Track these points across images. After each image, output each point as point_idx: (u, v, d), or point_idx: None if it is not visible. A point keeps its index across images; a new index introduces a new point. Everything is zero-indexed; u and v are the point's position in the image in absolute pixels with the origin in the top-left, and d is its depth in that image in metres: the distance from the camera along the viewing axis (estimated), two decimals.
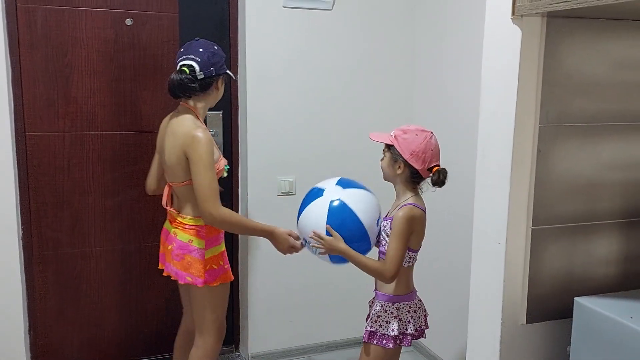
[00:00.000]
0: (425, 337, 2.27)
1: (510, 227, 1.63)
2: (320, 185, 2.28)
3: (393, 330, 2.10)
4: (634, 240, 1.72)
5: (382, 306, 2.16)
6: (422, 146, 2.09)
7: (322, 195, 2.20)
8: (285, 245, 2.42)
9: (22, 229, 2.75)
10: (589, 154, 1.65)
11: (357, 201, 2.15)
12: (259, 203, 3.19)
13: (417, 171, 2.11)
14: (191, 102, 2.28)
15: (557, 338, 1.68)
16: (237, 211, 3.27)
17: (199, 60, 2.22)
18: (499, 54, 1.63)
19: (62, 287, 2.88)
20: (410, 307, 2.17)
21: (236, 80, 3.13)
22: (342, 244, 2.10)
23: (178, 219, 2.31)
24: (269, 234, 2.42)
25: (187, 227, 2.28)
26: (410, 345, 2.25)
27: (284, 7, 3.02)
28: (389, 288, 2.16)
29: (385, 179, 2.28)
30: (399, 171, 2.14)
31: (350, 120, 3.29)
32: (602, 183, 1.68)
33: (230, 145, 3.23)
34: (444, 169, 2.11)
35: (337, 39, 3.17)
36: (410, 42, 3.28)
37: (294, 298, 3.31)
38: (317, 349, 3.37)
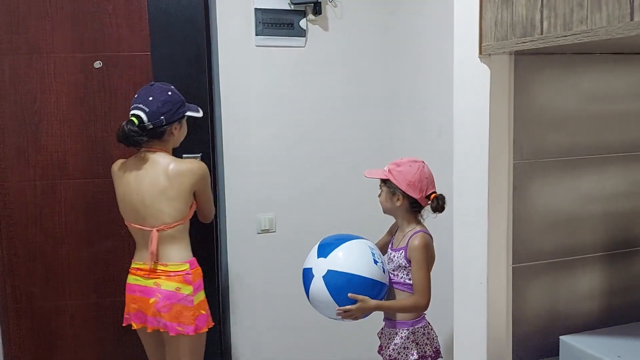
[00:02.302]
0: (442, 357, 2.29)
1: (490, 266, 1.58)
2: (306, 265, 2.25)
3: (413, 355, 2.17)
4: (615, 273, 1.68)
5: (399, 335, 2.19)
6: (417, 175, 2.20)
7: (313, 276, 2.17)
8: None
9: None
10: (567, 188, 1.61)
11: (344, 261, 2.14)
12: (239, 241, 3.12)
13: (416, 201, 2.20)
14: (155, 146, 2.26)
15: None
16: (217, 249, 3.19)
17: (147, 110, 2.17)
18: (469, 92, 1.60)
19: (37, 342, 2.78)
20: (424, 329, 2.22)
21: (213, 119, 3.08)
22: (371, 302, 2.11)
23: (159, 268, 2.23)
24: None
25: (171, 274, 2.21)
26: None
27: (257, 46, 2.99)
28: (406, 316, 2.20)
29: (385, 213, 2.34)
30: (398, 203, 2.22)
31: (328, 156, 3.24)
32: (582, 216, 1.63)
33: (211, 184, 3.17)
34: (441, 194, 2.20)
35: (312, 75, 3.14)
36: (385, 76, 3.25)
37: (279, 338, 3.22)
38: None
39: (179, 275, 2.20)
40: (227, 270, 3.12)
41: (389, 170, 2.23)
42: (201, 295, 2.29)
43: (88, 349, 2.87)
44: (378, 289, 2.15)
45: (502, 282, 1.59)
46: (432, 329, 2.26)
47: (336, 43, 3.14)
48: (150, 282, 2.22)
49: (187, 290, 2.21)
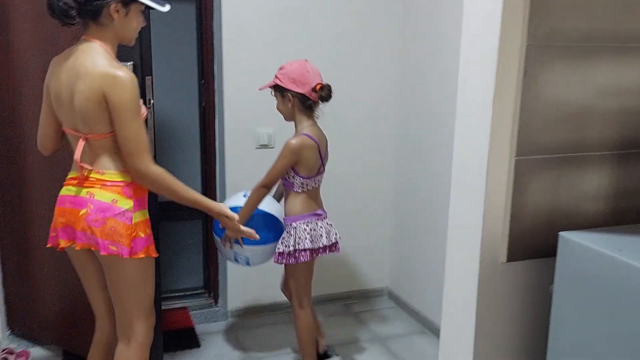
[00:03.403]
0: (334, 252, 2.48)
1: (491, 158, 1.45)
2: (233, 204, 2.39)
3: (287, 246, 2.33)
4: (626, 174, 1.55)
5: (286, 229, 2.37)
6: (299, 71, 2.30)
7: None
8: (237, 231, 2.11)
9: None
10: (581, 78, 1.47)
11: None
12: (236, 156, 3.00)
13: (305, 96, 2.29)
14: (92, 34, 1.76)
15: (540, 277, 1.51)
16: (214, 165, 3.08)
17: None
18: None
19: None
20: (307, 226, 2.35)
21: (211, 24, 2.92)
22: (232, 214, 2.07)
23: (94, 176, 1.79)
24: (220, 215, 2.03)
25: (108, 184, 1.78)
26: (311, 259, 2.38)
27: None
28: (288, 212, 2.38)
29: (286, 120, 2.42)
30: (289, 105, 2.33)
31: (332, 69, 3.08)
32: (594, 111, 1.49)
33: (206, 95, 3.03)
34: (327, 84, 2.31)
35: None
36: None
37: None
38: None
39: (117, 185, 1.79)
40: (225, 185, 3.02)
41: (275, 76, 2.33)
42: (142, 215, 1.84)
43: None
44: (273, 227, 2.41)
45: (503, 175, 1.47)
46: (322, 228, 2.39)
47: None
48: (82, 192, 1.80)
49: (125, 204, 1.78)
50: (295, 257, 2.33)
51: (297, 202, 2.37)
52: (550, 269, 1.45)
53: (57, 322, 2.61)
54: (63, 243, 1.86)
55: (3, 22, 2.42)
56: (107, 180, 1.78)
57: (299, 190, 2.36)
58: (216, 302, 3.21)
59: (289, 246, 2.33)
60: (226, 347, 2.83)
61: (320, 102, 2.32)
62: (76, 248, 1.83)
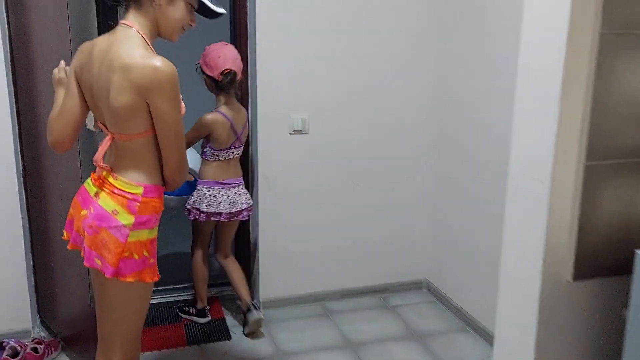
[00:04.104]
0: (236, 219, 2.71)
1: (557, 163, 1.26)
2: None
3: (189, 204, 2.67)
4: None
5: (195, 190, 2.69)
6: (211, 55, 2.51)
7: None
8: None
9: None
10: None
11: None
12: (270, 142, 2.85)
13: (214, 78, 2.52)
14: (131, 19, 1.58)
15: (611, 299, 1.32)
16: (246, 151, 2.94)
17: None
18: None
19: None
20: (208, 191, 2.63)
21: (245, 7, 2.74)
22: None
23: (109, 179, 1.60)
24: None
25: (115, 191, 1.58)
26: (206, 220, 2.67)
27: None
28: (199, 176, 2.69)
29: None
30: (206, 85, 2.61)
31: (368, 54, 2.89)
32: None
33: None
34: (232, 71, 2.49)
35: None
36: None
37: (307, 243, 3.01)
38: (332, 296, 3.09)
39: (123, 196, 1.57)
40: (257, 171, 2.88)
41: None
42: (142, 235, 1.58)
43: None
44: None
45: (569, 183, 1.28)
46: (224, 195, 2.64)
47: None
48: (93, 190, 1.63)
49: (125, 218, 1.56)
50: (192, 214, 2.67)
51: (206, 169, 2.66)
52: (624, 289, 1.26)
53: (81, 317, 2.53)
54: (65, 235, 1.74)
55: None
56: (117, 187, 1.58)
57: (210, 159, 2.64)
58: None
59: (190, 203, 2.67)
60: (257, 340, 2.72)
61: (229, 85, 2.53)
62: (68, 247, 1.69)
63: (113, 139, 1.60)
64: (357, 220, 3.06)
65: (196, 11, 1.67)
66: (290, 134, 2.87)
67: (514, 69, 1.40)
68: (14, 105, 2.43)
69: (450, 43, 2.90)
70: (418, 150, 3.08)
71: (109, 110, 1.54)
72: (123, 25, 1.58)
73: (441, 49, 2.95)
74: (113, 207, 1.57)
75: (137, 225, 1.57)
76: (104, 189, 1.60)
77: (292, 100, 2.83)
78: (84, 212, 1.62)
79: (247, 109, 2.87)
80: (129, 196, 1.57)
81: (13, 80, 2.43)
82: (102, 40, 1.59)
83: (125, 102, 1.50)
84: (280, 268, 2.99)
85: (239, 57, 2.54)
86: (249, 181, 2.95)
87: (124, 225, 1.56)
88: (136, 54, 1.50)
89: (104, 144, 1.60)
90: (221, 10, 1.70)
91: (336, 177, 2.99)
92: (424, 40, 2.95)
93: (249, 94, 2.85)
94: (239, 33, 2.82)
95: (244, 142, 2.71)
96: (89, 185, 1.66)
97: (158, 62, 1.49)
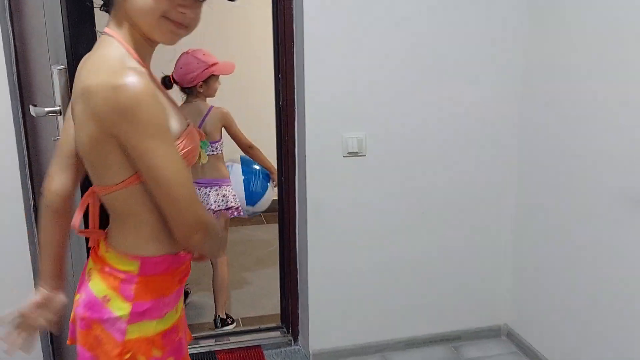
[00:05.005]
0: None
1: None
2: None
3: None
4: None
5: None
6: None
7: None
8: None
9: None
10: None
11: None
12: (320, 166, 2.41)
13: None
14: (111, 25, 1.13)
15: None
16: (293, 176, 2.51)
17: None
18: None
19: None
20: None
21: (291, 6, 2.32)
22: None
23: (101, 250, 1.18)
24: None
25: (106, 269, 1.14)
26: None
27: None
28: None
29: None
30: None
31: (437, 61, 2.41)
32: None
33: (284, 92, 2.45)
34: (166, 75, 2.77)
35: None
36: None
37: (365, 284, 2.55)
38: (394, 346, 2.61)
39: (115, 276, 1.13)
40: (306, 199, 2.44)
41: None
42: (148, 329, 1.13)
43: None
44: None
45: None
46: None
47: None
48: (89, 265, 1.21)
49: (118, 308, 1.11)
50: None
51: None
52: None
53: None
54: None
55: None
56: (107, 263, 1.14)
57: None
58: (295, 339, 2.67)
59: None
60: None
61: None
62: (67, 342, 1.25)
63: (94, 195, 1.16)
64: (424, 257, 2.57)
65: None
66: (344, 156, 2.42)
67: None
68: (21, 129, 2.07)
69: (540, 48, 2.38)
70: (498, 178, 2.57)
71: (80, 153, 1.11)
72: (103, 34, 1.13)
73: (531, 59, 2.44)
74: (104, 292, 1.12)
75: (135, 316, 1.10)
76: (97, 264, 1.16)
77: (346, 118, 2.38)
78: (76, 296, 1.19)
79: (292, 128, 2.45)
80: (122, 275, 1.11)
81: (20, 101, 2.08)
82: (83, 59, 1.15)
83: (87, 140, 1.05)
84: (333, 314, 2.54)
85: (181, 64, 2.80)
86: (296, 210, 2.51)
87: (119, 318, 1.10)
88: (102, 71, 1.03)
89: (82, 202, 1.17)
90: None
91: (400, 207, 2.51)
92: (508, 45, 2.45)
93: (295, 111, 2.42)
94: (283, 36, 2.39)
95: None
96: (91, 259, 1.21)
97: (122, 78, 0.99)
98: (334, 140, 2.39)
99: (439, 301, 2.63)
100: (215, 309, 2.92)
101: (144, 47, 1.12)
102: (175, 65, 2.78)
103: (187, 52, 2.78)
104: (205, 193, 2.84)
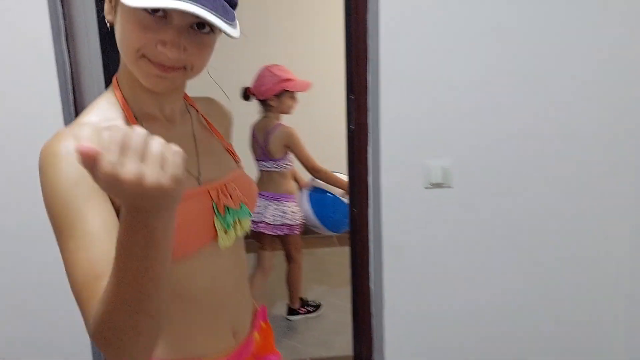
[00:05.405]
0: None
1: None
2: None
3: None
4: None
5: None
6: None
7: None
8: None
9: None
10: None
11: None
12: (398, 198, 2.10)
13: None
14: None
15: None
16: (366, 209, 2.21)
17: None
18: None
19: None
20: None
21: (362, 18, 2.03)
22: None
23: None
24: None
25: None
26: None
27: None
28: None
29: None
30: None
31: (533, 84, 2.04)
32: None
33: (356, 115, 2.16)
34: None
35: None
36: None
37: (449, 331, 2.20)
38: None
39: None
40: (381, 235, 2.13)
41: None
42: None
43: None
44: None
45: None
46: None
47: None
48: None
49: None
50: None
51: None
52: None
53: None
54: None
55: None
56: None
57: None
58: None
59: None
60: None
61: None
62: None
63: None
64: (530, 313, 2.19)
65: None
66: (425, 187, 2.09)
67: None
68: None
69: None
70: (611, 209, 2.14)
71: None
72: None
73: None
74: None
75: None
76: None
77: (428, 143, 2.07)
78: None
79: (365, 154, 2.15)
80: None
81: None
82: None
83: None
84: (413, 354, 2.21)
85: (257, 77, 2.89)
86: (369, 248, 2.21)
87: None
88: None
89: None
90: (236, 32, 0.81)
91: (492, 245, 2.15)
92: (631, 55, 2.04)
93: (369, 135, 2.12)
94: (356, 52, 2.11)
95: (267, 156, 2.91)
96: None
97: (50, 138, 0.80)
98: (414, 169, 2.07)
99: (540, 354, 2.23)
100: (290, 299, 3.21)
101: (143, 91, 0.87)
102: (254, 77, 2.89)
103: (266, 66, 2.86)
104: (264, 205, 2.90)
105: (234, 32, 0.80)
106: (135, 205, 0.59)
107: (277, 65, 2.90)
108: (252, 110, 2.97)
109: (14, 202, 1.96)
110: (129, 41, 0.80)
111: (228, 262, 0.95)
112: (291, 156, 2.96)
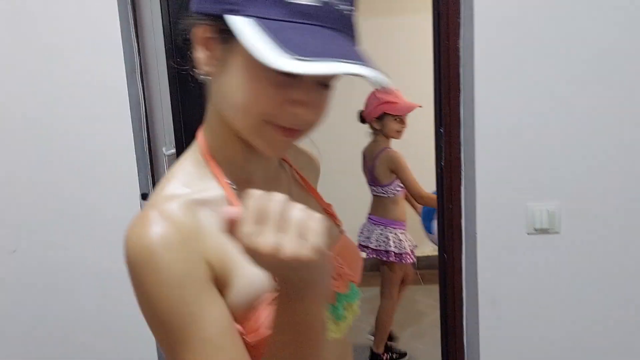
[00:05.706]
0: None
1: None
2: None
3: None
4: None
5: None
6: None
7: None
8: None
9: None
10: None
11: None
12: (497, 246, 1.84)
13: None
14: (206, 117, 0.81)
15: None
16: (460, 256, 1.97)
17: None
18: None
19: None
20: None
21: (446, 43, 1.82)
22: None
23: None
24: None
25: None
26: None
27: None
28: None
29: None
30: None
31: None
32: None
33: (447, 149, 1.94)
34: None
35: None
36: None
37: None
38: None
39: None
40: (477, 286, 1.88)
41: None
42: None
43: None
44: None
45: None
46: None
47: None
48: None
49: None
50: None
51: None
52: None
53: None
54: None
55: None
56: None
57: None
58: None
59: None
60: None
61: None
62: None
63: None
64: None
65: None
66: (529, 233, 1.83)
67: None
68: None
69: None
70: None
71: None
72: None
73: None
74: None
75: None
76: None
77: (532, 183, 1.81)
78: None
79: (458, 194, 1.93)
80: None
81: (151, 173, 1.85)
82: None
83: None
84: None
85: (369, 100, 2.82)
86: (463, 299, 1.97)
87: None
88: (149, 203, 0.71)
89: None
90: (374, 74, 0.66)
91: (612, 305, 1.84)
92: None
93: (462, 173, 1.90)
94: (447, 81, 1.91)
95: (375, 180, 2.85)
96: None
97: (139, 219, 0.67)
98: (516, 213, 1.82)
99: None
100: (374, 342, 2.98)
101: (240, 151, 0.75)
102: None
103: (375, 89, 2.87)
104: (370, 229, 2.86)
105: (386, 81, 0.67)
106: (281, 277, 0.58)
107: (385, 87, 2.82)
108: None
109: (95, 255, 1.90)
110: (253, 104, 0.67)
111: (332, 356, 0.79)
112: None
